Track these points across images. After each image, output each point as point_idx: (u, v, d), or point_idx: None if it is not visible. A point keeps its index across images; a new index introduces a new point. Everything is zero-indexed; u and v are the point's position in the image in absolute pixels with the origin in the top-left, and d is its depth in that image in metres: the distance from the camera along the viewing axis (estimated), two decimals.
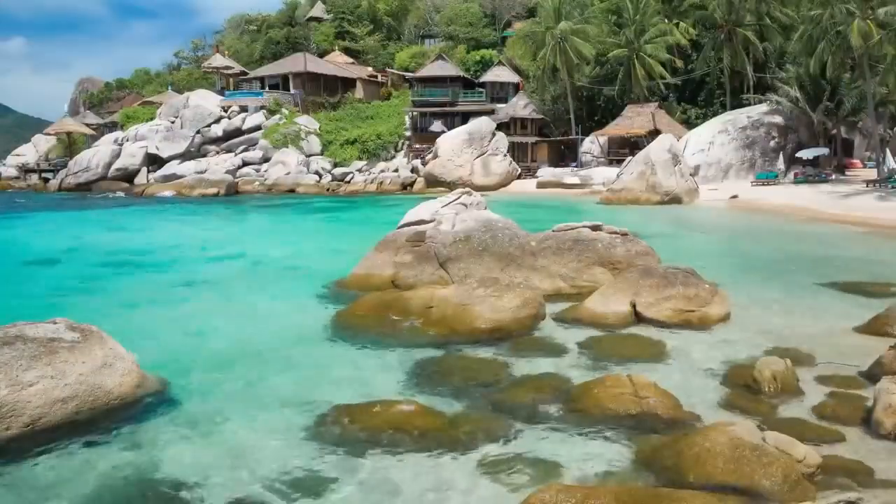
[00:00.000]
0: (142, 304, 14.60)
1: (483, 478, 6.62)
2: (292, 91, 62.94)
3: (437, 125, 57.84)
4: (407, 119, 59.56)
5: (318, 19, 74.84)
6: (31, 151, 74.10)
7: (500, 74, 60.14)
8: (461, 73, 60.06)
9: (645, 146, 41.76)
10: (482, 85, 60.26)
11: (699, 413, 7.82)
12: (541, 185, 47.24)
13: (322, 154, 57.51)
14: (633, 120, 49.75)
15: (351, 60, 70.25)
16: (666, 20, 51.88)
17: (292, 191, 52.58)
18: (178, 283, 17.08)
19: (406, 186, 51.89)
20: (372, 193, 50.87)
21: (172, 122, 60.51)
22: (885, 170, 37.59)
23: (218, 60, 70.32)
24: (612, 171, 43.55)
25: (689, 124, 49.95)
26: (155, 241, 25.85)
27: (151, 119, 62.34)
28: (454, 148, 50.26)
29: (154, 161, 57.97)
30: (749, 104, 47.83)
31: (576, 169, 50.13)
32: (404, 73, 64.90)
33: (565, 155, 55.01)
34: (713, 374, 9.24)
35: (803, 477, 6.08)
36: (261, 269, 19.73)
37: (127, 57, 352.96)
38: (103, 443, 7.56)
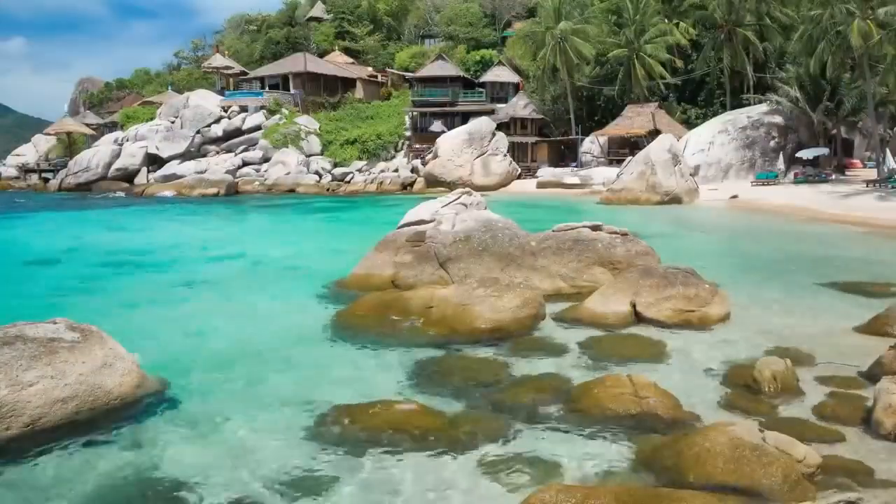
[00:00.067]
0: (142, 304, 14.60)
1: (483, 478, 6.62)
2: (292, 91, 62.95)
3: (437, 125, 57.85)
4: (407, 119, 59.56)
5: (318, 19, 74.85)
6: (31, 151, 74.12)
7: (500, 74, 60.15)
8: (461, 73, 60.07)
9: (645, 146, 41.76)
10: (482, 85, 60.27)
11: (699, 413, 7.81)
12: (541, 185, 47.24)
13: (322, 154, 57.52)
14: (633, 120, 49.76)
15: (351, 60, 70.26)
16: (666, 20, 51.89)
17: (292, 191, 52.59)
18: (178, 283, 17.08)
19: (406, 186, 51.90)
20: (372, 193, 50.87)
21: (172, 122, 60.51)
22: (885, 170, 37.59)
23: (218, 60, 70.32)
24: (612, 171, 43.55)
25: (689, 124, 49.95)
26: (155, 241, 25.85)
27: (151, 119, 62.35)
28: (454, 148, 50.27)
29: (154, 161, 57.98)
30: (749, 104, 47.83)
31: (576, 169, 50.13)
32: (404, 73, 64.90)
33: (565, 155, 55.01)
34: (713, 374, 9.24)
35: (803, 477, 6.08)
36: (261, 269, 19.73)
37: (127, 57, 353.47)
38: (103, 443, 7.56)
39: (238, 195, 52.39)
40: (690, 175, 38.79)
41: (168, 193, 52.00)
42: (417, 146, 57.05)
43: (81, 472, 6.95)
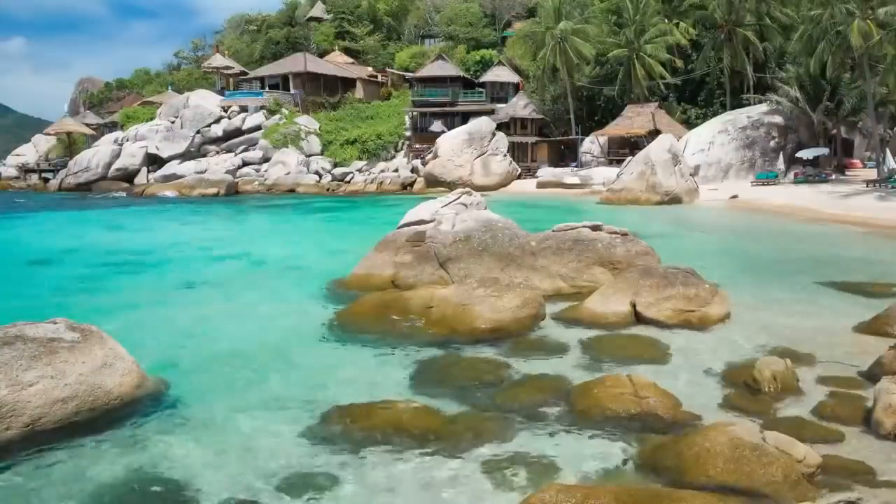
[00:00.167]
0: (142, 304, 14.60)
1: (483, 478, 6.62)
2: (292, 91, 62.93)
3: (437, 125, 57.84)
4: (407, 119, 59.55)
5: (318, 19, 74.84)
6: (31, 151, 74.11)
7: (500, 74, 60.14)
8: (461, 73, 60.05)
9: (645, 146, 41.75)
10: (482, 85, 60.25)
11: (699, 413, 7.81)
12: (541, 185, 47.23)
13: (322, 154, 57.51)
14: (633, 120, 49.74)
15: (351, 60, 70.25)
16: (666, 20, 51.87)
17: (292, 191, 52.58)
18: (178, 283, 17.08)
19: (406, 186, 51.88)
20: (372, 193, 50.87)
21: (172, 122, 60.50)
22: (885, 170, 37.59)
23: (218, 60, 70.31)
24: (612, 171, 43.54)
25: (689, 124, 49.94)
26: (155, 241, 25.85)
27: (151, 119, 62.33)
28: (454, 148, 50.26)
29: (154, 161, 57.97)
30: (749, 104, 47.83)
31: (576, 169, 50.12)
32: (404, 73, 64.90)
33: (565, 155, 55.01)
34: (713, 374, 9.24)
35: (803, 477, 6.08)
36: (261, 269, 19.73)
37: (127, 57, 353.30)
38: (103, 443, 7.56)
39: (238, 195, 52.38)
40: (690, 175, 38.79)
41: (168, 193, 51.98)
42: (417, 146, 57.04)
43: (81, 472, 6.95)
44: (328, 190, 52.78)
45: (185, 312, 13.85)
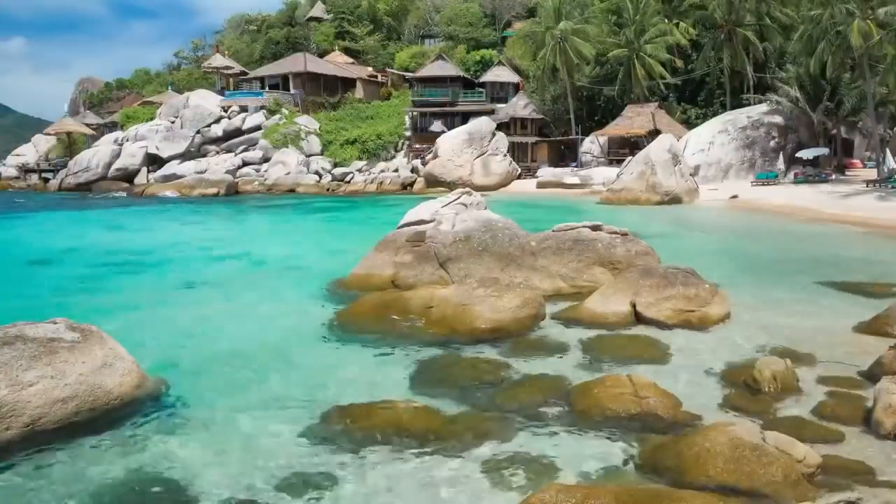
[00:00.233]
0: (142, 304, 14.60)
1: (483, 478, 6.62)
2: (292, 91, 62.94)
3: (437, 125, 57.84)
4: (407, 119, 59.56)
5: (318, 19, 74.85)
6: (31, 151, 74.12)
7: (500, 74, 60.14)
8: (461, 73, 60.06)
9: (645, 146, 41.76)
10: (482, 85, 60.26)
11: (699, 413, 7.81)
12: (541, 185, 47.23)
13: (322, 154, 57.51)
14: (633, 120, 49.75)
15: (351, 60, 70.25)
16: (666, 20, 51.88)
17: (292, 191, 52.59)
18: (177, 284, 17.08)
19: (406, 186, 51.89)
20: (372, 193, 50.87)
21: (172, 122, 60.51)
22: (885, 170, 37.59)
23: (218, 60, 70.32)
24: (612, 171, 43.54)
25: (689, 124, 49.95)
26: (155, 241, 25.85)
27: (151, 119, 62.34)
28: (454, 148, 50.26)
29: (154, 161, 57.97)
30: (749, 104, 47.83)
31: (576, 169, 50.13)
32: (404, 73, 64.90)
33: (565, 155, 55.01)
34: (713, 374, 9.24)
35: (803, 477, 6.08)
36: (261, 269, 19.73)
37: (127, 57, 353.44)
38: (103, 443, 7.56)
39: (238, 195, 52.39)
40: (690, 175, 38.79)
41: (168, 193, 51.99)
42: (417, 146, 57.04)
43: (81, 472, 6.95)
44: (328, 190, 52.78)
45: (185, 312, 13.85)
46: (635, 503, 5.64)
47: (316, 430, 7.72)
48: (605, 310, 11.78)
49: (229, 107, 61.70)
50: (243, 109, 61.12)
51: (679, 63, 51.54)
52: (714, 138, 44.27)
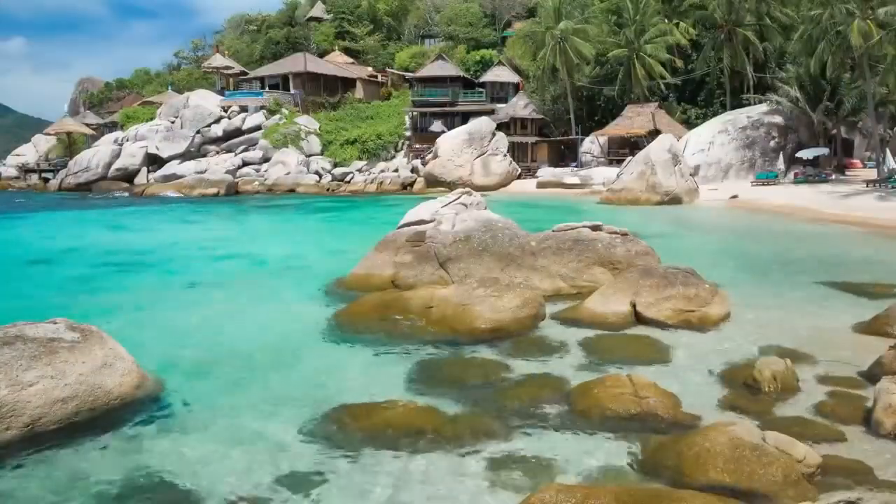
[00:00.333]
0: (142, 304, 14.60)
1: (483, 477, 6.62)
2: (292, 91, 62.93)
3: (437, 125, 57.84)
4: (407, 119, 59.56)
5: (318, 19, 74.85)
6: (31, 151, 74.11)
7: (500, 74, 60.14)
8: (461, 73, 60.05)
9: (645, 146, 41.75)
10: (482, 85, 60.26)
11: (699, 413, 7.81)
12: (541, 185, 47.23)
13: (322, 154, 57.51)
14: (633, 120, 49.74)
15: (351, 60, 70.26)
16: (666, 20, 51.87)
17: (292, 191, 52.59)
18: (177, 283, 17.08)
19: (406, 186, 51.88)
20: (372, 193, 50.87)
21: (172, 122, 60.50)
22: (885, 170, 37.58)
23: (218, 60, 70.32)
24: (612, 171, 43.54)
25: (689, 124, 49.94)
26: (155, 241, 25.85)
27: (151, 119, 62.34)
28: (454, 148, 50.26)
29: (154, 161, 57.97)
30: (749, 104, 47.82)
31: (576, 169, 50.12)
32: (404, 73, 64.90)
33: (565, 155, 55.01)
34: (713, 374, 9.24)
35: (803, 477, 6.08)
36: (261, 269, 19.73)
37: (127, 57, 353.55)
38: (103, 443, 7.56)
39: (238, 195, 52.38)
40: (690, 175, 38.78)
41: (168, 193, 52.00)
42: (417, 146, 57.04)
43: (81, 472, 6.95)
44: (328, 190, 52.78)
45: (185, 312, 13.85)
46: (635, 503, 5.64)
47: (316, 430, 7.72)
48: (605, 310, 11.78)
49: (229, 107, 61.70)
50: (243, 109, 61.12)
51: (679, 63, 51.53)
52: (714, 138, 44.26)
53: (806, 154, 41.24)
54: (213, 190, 51.84)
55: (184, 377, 9.53)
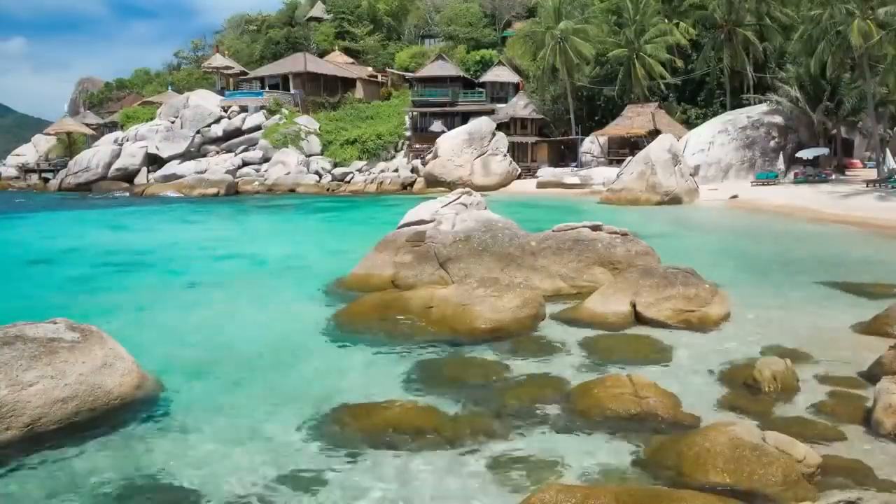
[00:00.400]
0: (142, 304, 14.60)
1: (483, 477, 6.62)
2: (292, 91, 62.94)
3: (437, 125, 57.85)
4: (407, 119, 59.56)
5: (318, 19, 74.86)
6: (31, 151, 74.12)
7: (500, 74, 60.14)
8: (461, 73, 60.06)
9: (645, 146, 41.76)
10: (482, 85, 60.26)
11: (699, 413, 7.81)
12: (541, 185, 47.24)
13: (322, 154, 57.53)
14: (633, 120, 49.75)
15: (351, 60, 70.26)
16: (666, 20, 51.89)
17: (292, 191, 52.61)
18: (178, 284, 17.09)
19: (406, 186, 51.89)
20: (372, 193, 50.88)
21: (172, 122, 60.51)
22: (885, 170, 37.58)
23: (218, 60, 70.33)
24: (612, 171, 43.55)
25: (689, 124, 49.95)
26: (155, 241, 25.85)
27: (151, 119, 62.35)
28: (454, 148, 50.27)
29: (154, 161, 57.98)
30: (749, 104, 47.84)
31: (576, 169, 50.13)
32: (404, 73, 64.90)
33: (565, 155, 55.01)
34: (713, 374, 9.24)
35: (803, 477, 6.08)
36: (261, 269, 19.73)
37: (127, 57, 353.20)
38: (103, 443, 7.56)
39: (238, 195, 52.40)
40: (690, 175, 38.78)
41: (168, 193, 52.01)
42: (417, 146, 57.05)
43: (80, 472, 6.95)
44: (328, 190, 52.79)
45: (185, 312, 13.85)
46: (635, 503, 5.64)
47: (316, 430, 7.72)
48: (605, 310, 11.78)
49: (229, 107, 61.71)
50: (243, 109, 61.13)
51: (679, 63, 51.54)
52: (714, 138, 44.27)
53: (806, 154, 41.24)
54: (213, 190, 51.85)
55: (184, 377, 9.53)
